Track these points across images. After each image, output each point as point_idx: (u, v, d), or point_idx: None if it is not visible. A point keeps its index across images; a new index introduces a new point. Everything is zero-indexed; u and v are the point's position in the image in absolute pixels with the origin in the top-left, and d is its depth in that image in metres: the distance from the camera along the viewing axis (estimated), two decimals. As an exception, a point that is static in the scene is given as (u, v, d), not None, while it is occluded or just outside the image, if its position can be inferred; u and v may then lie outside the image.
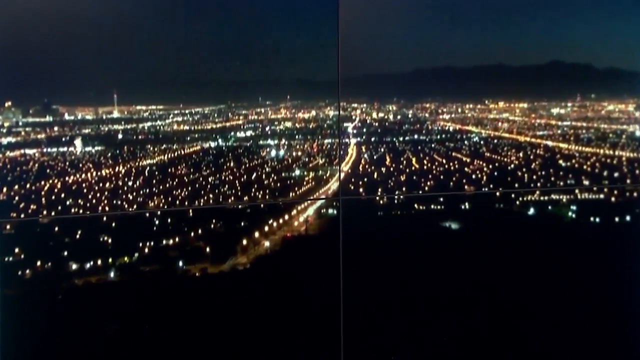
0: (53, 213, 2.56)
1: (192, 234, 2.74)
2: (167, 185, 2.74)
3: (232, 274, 2.78)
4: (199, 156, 2.81)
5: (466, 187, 3.06)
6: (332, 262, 2.79)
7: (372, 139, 3.03)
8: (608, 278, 3.12)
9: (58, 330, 2.57)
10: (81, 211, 2.59)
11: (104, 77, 2.57)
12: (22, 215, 2.52)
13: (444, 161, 3.07)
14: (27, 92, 2.57)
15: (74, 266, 2.58)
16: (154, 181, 2.72)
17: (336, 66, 2.72)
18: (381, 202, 2.99)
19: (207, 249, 2.76)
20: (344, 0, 2.68)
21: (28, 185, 2.55)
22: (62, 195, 2.57)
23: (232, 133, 2.86)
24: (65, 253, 2.59)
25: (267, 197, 2.85)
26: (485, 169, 3.09)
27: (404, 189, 3.00)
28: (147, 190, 2.71)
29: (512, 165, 3.12)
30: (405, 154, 3.05)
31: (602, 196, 3.16)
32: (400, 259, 2.94)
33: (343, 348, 2.80)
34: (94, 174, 2.64)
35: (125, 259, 2.66)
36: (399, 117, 3.08)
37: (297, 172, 2.91)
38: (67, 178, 2.61)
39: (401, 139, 3.07)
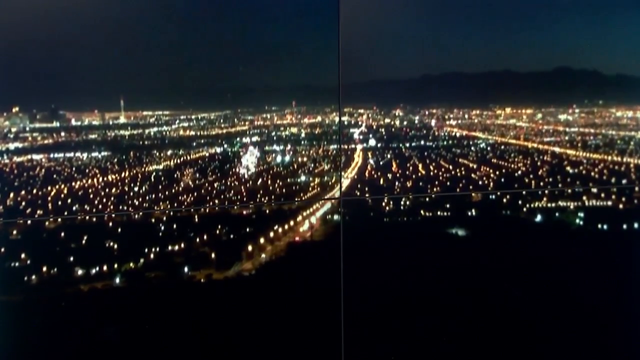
0: (60, 220, 2.57)
1: (198, 239, 2.74)
2: (173, 190, 2.74)
3: (237, 280, 2.77)
4: (204, 162, 2.81)
5: (473, 194, 3.04)
6: (338, 268, 2.78)
7: (379, 145, 3.02)
8: (616, 285, 3.10)
9: (63, 335, 2.57)
10: (87, 217, 2.59)
11: (110, 83, 2.58)
12: (29, 222, 2.53)
13: (451, 167, 3.05)
14: (34, 98, 2.58)
15: (80, 272, 2.59)
16: (160, 186, 2.72)
17: (338, 71, 2.72)
18: (387, 208, 2.98)
19: (213, 255, 2.76)
20: (346, 5, 2.68)
21: (35, 191, 2.55)
22: (69, 200, 2.58)
23: (238, 139, 2.86)
24: (71, 258, 2.59)
25: (272, 202, 2.85)
26: (492, 175, 3.08)
27: (410, 195, 2.99)
28: (153, 196, 2.71)
29: (519, 172, 3.10)
30: (411, 160, 3.04)
31: (609, 203, 3.13)
32: (407, 265, 2.93)
33: (344, 352, 2.79)
34: (100, 179, 2.65)
35: (131, 264, 2.66)
36: (405, 122, 3.07)
37: (303, 177, 2.91)
38: (73, 183, 2.61)
39: (407, 144, 3.06)
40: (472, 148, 3.11)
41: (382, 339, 2.90)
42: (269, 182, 2.86)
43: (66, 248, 2.60)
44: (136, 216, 2.68)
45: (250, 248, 2.80)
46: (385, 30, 2.84)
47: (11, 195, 2.50)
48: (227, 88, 2.78)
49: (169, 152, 2.79)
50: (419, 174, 3.01)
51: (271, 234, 2.83)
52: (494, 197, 3.08)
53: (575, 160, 3.13)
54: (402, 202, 2.99)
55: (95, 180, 2.64)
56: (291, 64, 2.78)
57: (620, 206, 3.14)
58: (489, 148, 3.13)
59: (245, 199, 2.81)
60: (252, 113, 2.89)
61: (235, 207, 2.81)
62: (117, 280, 2.62)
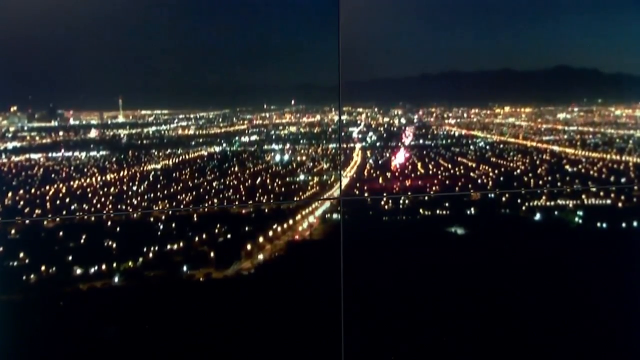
0: (58, 219, 2.56)
1: (197, 239, 2.74)
2: (172, 189, 2.73)
3: (236, 279, 2.77)
4: (203, 161, 2.81)
5: (472, 192, 3.04)
6: (337, 267, 2.78)
7: (378, 144, 3.02)
8: (615, 284, 3.10)
9: (62, 335, 2.57)
10: (86, 217, 2.59)
11: (109, 82, 2.57)
12: (27, 222, 2.53)
13: (450, 166, 3.05)
14: (32, 97, 2.57)
15: (79, 271, 2.58)
16: (159, 186, 2.72)
17: (338, 70, 2.72)
18: (386, 207, 2.98)
19: (212, 254, 2.75)
20: (346, 5, 2.67)
21: (33, 190, 2.55)
22: (67, 199, 2.57)
23: (237, 138, 2.86)
24: (70, 258, 2.58)
25: (271, 201, 2.84)
26: (491, 174, 3.08)
27: (409, 194, 2.99)
28: (152, 195, 2.70)
29: (518, 171, 3.10)
30: (410, 159, 3.03)
31: (609, 201, 3.14)
32: (406, 264, 2.93)
33: (344, 351, 2.79)
34: (99, 178, 2.64)
35: (130, 263, 2.65)
36: (404, 121, 3.07)
37: (302, 176, 2.90)
38: (71, 183, 2.60)
39: (406, 143, 3.06)
40: (471, 147, 3.11)
41: (382, 338, 2.90)
42: (268, 181, 2.85)
43: (65, 247, 2.59)
44: (135, 215, 2.67)
45: (249, 247, 2.80)
46: (385, 29, 2.84)
47: (9, 194, 2.50)
48: (226, 87, 2.77)
49: (168, 151, 2.78)
50: (418, 173, 3.01)
51: (270, 233, 2.83)
52: (493, 196, 3.08)
53: (574, 159, 3.13)
54: (401, 201, 2.99)
55: (93, 179, 2.63)
56: (291, 63, 2.77)
57: (620, 205, 3.15)
58: (487, 147, 3.13)
59: (244, 198, 2.81)
60: (251, 112, 2.88)
61: (234, 206, 2.80)
62: (116, 279, 2.62)
